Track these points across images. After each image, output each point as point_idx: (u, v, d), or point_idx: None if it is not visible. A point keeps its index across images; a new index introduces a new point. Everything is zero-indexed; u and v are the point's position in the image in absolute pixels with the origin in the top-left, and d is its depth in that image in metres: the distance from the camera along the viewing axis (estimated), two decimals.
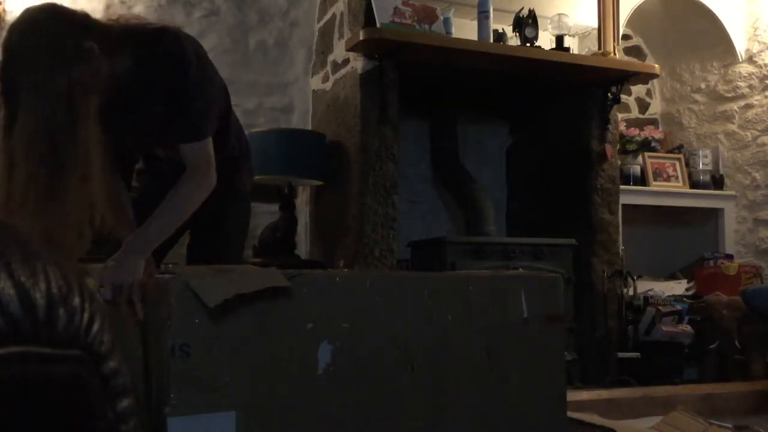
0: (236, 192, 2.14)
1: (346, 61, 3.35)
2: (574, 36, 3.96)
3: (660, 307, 3.67)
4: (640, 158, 4.37)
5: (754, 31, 4.40)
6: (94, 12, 3.54)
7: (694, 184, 4.47)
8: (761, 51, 4.36)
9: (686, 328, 3.66)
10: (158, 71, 1.78)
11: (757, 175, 4.36)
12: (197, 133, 1.82)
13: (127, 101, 1.80)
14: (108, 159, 1.72)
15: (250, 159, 2.23)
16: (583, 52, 3.90)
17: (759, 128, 4.37)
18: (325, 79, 3.60)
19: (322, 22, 3.66)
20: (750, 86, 4.41)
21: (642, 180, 4.35)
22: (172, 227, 1.79)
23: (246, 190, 2.19)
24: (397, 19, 3.18)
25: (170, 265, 1.85)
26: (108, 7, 3.49)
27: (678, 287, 4.05)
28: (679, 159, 4.49)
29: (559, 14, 3.64)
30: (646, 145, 4.40)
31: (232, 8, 3.73)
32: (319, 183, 3.50)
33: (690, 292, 4.04)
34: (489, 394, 1.72)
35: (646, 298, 3.74)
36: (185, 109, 1.81)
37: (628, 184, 4.22)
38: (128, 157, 2.10)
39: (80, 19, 1.69)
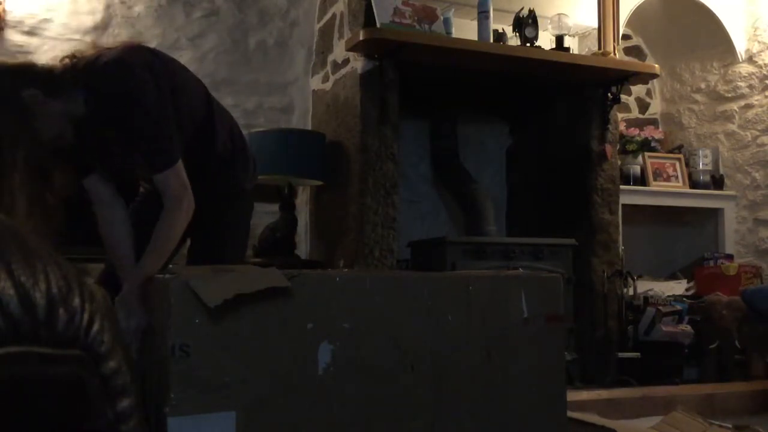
0: (230, 192, 2.12)
1: (346, 61, 3.35)
2: (574, 36, 3.96)
3: (660, 307, 3.67)
4: (640, 158, 4.37)
5: (754, 31, 4.40)
6: (94, 12, 3.56)
7: (694, 184, 4.47)
8: (761, 51, 4.36)
9: (686, 328, 3.66)
10: (109, 106, 1.81)
11: (757, 175, 4.36)
12: (164, 162, 1.83)
13: (92, 134, 1.83)
14: (44, 205, 1.75)
15: (246, 155, 2.17)
16: (583, 52, 3.90)
17: (759, 128, 4.37)
18: (325, 79, 3.60)
19: (322, 22, 3.66)
20: (750, 86, 4.41)
21: (642, 180, 4.35)
22: (164, 257, 1.81)
23: (243, 188, 2.16)
24: (397, 19, 3.18)
25: (170, 266, 1.85)
26: (108, 6, 3.50)
27: (678, 287, 4.05)
28: (679, 159, 4.49)
29: (559, 14, 3.64)
30: (646, 145, 4.40)
31: (232, 8, 3.73)
32: (319, 183, 3.50)
33: (690, 292, 4.04)
34: (489, 394, 1.72)
35: (646, 298, 3.74)
36: (144, 143, 1.83)
37: (628, 184, 4.22)
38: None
39: (21, 69, 1.77)
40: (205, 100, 2.06)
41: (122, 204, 1.99)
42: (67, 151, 1.84)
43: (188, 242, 2.14)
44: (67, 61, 1.84)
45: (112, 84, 1.79)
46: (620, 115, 4.24)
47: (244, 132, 3.50)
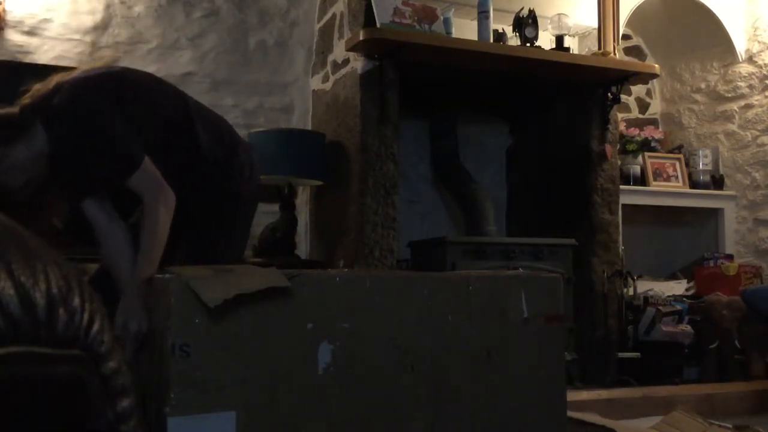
0: (222, 195, 2.11)
1: (346, 61, 3.35)
2: (574, 36, 3.96)
3: (660, 307, 3.67)
4: (640, 158, 4.37)
5: (754, 31, 4.40)
6: (94, 12, 3.56)
7: (694, 184, 4.47)
8: (761, 51, 4.36)
9: (686, 328, 3.65)
10: (63, 132, 1.84)
11: (757, 175, 4.36)
12: (127, 168, 1.85)
13: (62, 161, 1.87)
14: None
15: (238, 160, 2.14)
16: (583, 52, 3.90)
17: (759, 128, 4.37)
18: (325, 79, 3.60)
19: (322, 22, 3.66)
20: (750, 86, 4.41)
21: (642, 180, 4.35)
22: (157, 256, 1.81)
23: (237, 191, 2.14)
24: (397, 19, 3.18)
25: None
26: (108, 6, 3.50)
27: (678, 287, 4.05)
28: (679, 159, 4.49)
29: (559, 14, 3.64)
30: (646, 145, 4.40)
31: (232, 8, 3.72)
32: (319, 183, 3.50)
33: (690, 292, 4.04)
34: (489, 394, 1.72)
35: (646, 298, 3.74)
36: (102, 157, 1.85)
37: (628, 184, 4.22)
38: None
39: None
40: (180, 107, 2.06)
41: (119, 226, 1.96)
42: (47, 185, 1.88)
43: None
44: (27, 100, 1.87)
45: (56, 107, 1.84)
46: (620, 115, 4.24)
47: (244, 132, 3.51)
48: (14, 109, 1.87)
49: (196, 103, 2.15)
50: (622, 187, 3.87)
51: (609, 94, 3.70)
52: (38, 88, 1.90)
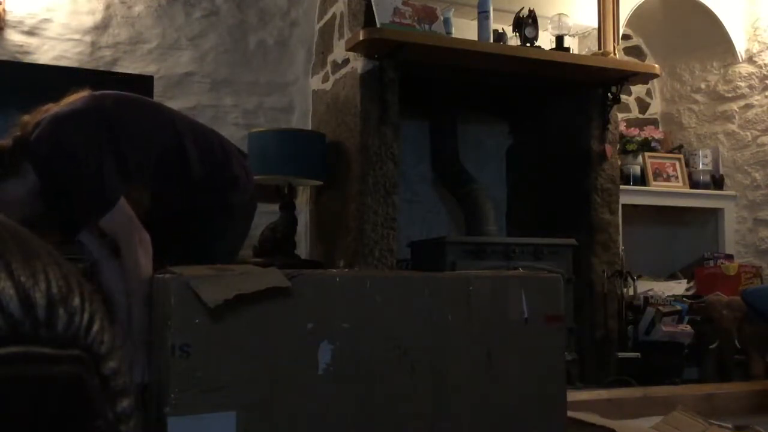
0: (214, 208, 2.11)
1: (346, 61, 3.35)
2: (574, 36, 3.96)
3: (660, 307, 3.67)
4: (640, 158, 4.38)
5: (754, 31, 4.40)
6: (94, 12, 3.55)
7: (694, 184, 4.47)
8: (761, 51, 4.36)
9: (686, 328, 3.65)
10: (42, 168, 1.84)
11: (757, 175, 4.36)
12: (102, 207, 1.84)
13: (53, 197, 1.87)
14: None
15: (231, 173, 2.14)
16: (583, 52, 3.90)
17: (759, 128, 4.37)
18: (325, 79, 3.60)
19: (322, 22, 3.66)
20: (750, 86, 4.41)
21: (642, 180, 4.35)
22: (143, 292, 1.78)
23: (230, 204, 2.13)
24: (397, 19, 3.18)
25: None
26: (108, 6, 3.50)
27: (678, 287, 4.05)
28: (679, 159, 4.49)
29: (559, 14, 3.64)
30: (646, 145, 4.41)
31: (232, 8, 3.73)
32: (319, 183, 3.50)
33: (690, 292, 4.04)
34: (489, 394, 1.72)
35: (646, 298, 3.74)
36: (78, 194, 1.85)
37: (628, 184, 4.22)
38: None
39: None
40: (170, 131, 2.04)
41: (114, 258, 1.95)
42: (42, 219, 1.87)
43: None
44: (19, 133, 1.86)
45: (36, 147, 1.83)
46: (620, 115, 4.24)
47: (244, 132, 3.52)
48: (7, 142, 1.86)
49: (185, 121, 2.13)
50: (622, 187, 3.87)
51: (609, 94, 3.70)
52: (27, 120, 1.88)
